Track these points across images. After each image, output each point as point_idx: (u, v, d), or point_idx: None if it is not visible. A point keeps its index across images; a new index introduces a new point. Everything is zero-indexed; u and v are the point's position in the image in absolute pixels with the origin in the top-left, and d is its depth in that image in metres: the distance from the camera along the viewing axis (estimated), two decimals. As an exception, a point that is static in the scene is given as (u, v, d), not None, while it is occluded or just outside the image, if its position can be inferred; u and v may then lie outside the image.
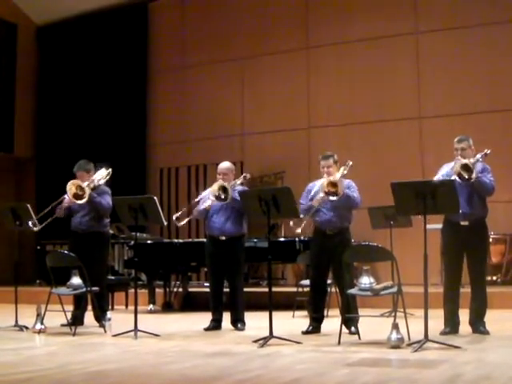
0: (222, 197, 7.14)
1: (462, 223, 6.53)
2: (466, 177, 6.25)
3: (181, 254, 10.01)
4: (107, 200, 7.74)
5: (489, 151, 6.52)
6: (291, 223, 6.77)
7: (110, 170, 7.93)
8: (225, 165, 7.55)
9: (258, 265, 12.18)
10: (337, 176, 6.76)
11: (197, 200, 7.60)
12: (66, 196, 7.67)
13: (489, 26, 11.72)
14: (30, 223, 7.60)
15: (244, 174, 7.67)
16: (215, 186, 7.17)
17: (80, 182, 7.57)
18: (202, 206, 7.46)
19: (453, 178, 6.24)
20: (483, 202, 6.59)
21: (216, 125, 13.83)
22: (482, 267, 6.66)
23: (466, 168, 6.26)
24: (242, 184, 7.55)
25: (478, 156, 6.49)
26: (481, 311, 6.56)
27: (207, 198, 7.37)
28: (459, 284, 6.62)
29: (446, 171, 6.48)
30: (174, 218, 7.53)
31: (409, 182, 6.13)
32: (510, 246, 10.82)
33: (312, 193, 6.85)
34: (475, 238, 6.55)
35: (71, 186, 7.51)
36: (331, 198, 6.64)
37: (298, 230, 6.72)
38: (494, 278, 10.34)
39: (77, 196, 7.51)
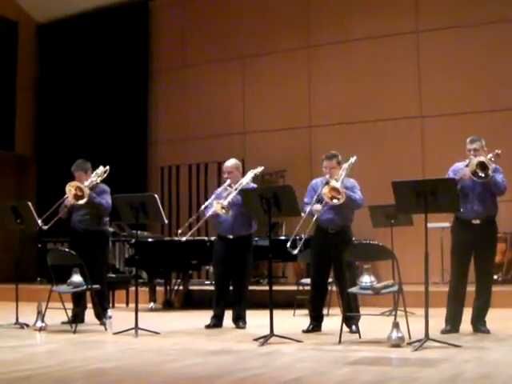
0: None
1: (474, 221, 6.52)
2: (482, 175, 6.23)
3: (182, 252, 9.99)
4: (107, 199, 7.75)
5: (500, 151, 6.53)
6: (303, 214, 6.73)
7: (108, 167, 7.94)
8: (229, 163, 7.50)
9: (259, 263, 12.18)
10: (339, 180, 6.74)
11: (203, 208, 7.53)
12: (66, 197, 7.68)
13: (490, 25, 11.71)
14: (39, 222, 7.62)
15: (256, 170, 7.53)
16: (218, 206, 7.07)
17: (79, 184, 7.59)
18: (208, 213, 7.37)
19: (466, 171, 6.23)
20: (494, 201, 6.59)
21: (217, 123, 13.83)
22: (490, 267, 6.66)
23: (482, 166, 6.24)
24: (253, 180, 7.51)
25: (490, 156, 6.48)
26: (483, 311, 6.56)
27: (212, 205, 7.29)
28: (466, 283, 6.60)
29: (459, 168, 6.44)
30: (178, 232, 7.56)
31: (409, 180, 6.12)
32: (511, 244, 10.82)
33: (316, 196, 6.82)
34: (485, 238, 6.54)
35: (70, 188, 7.53)
36: (334, 201, 6.63)
37: (314, 218, 6.73)
38: (495, 276, 10.32)
39: (77, 197, 7.53)
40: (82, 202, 7.53)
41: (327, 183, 6.73)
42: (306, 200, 6.92)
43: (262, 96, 13.62)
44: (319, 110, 13.08)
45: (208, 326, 7.36)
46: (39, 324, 7.22)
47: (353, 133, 12.45)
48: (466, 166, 6.43)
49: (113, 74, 14.77)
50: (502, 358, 5.20)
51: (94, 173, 7.88)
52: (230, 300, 7.53)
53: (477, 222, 6.52)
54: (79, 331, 7.02)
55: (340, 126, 12.71)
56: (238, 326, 7.37)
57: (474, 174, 6.27)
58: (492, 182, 6.34)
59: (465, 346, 5.65)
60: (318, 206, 6.70)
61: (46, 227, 7.68)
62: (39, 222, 7.62)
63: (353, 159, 6.94)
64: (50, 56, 15.59)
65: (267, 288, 6.70)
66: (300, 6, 13.44)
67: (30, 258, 13.50)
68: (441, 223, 9.50)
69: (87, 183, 7.67)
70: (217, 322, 7.42)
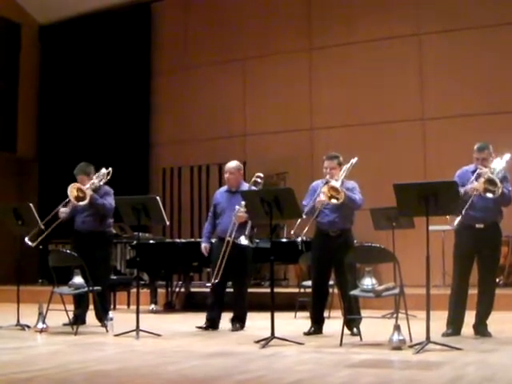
0: None
1: (478, 226, 6.50)
2: (492, 189, 6.21)
3: (183, 254, 10.00)
4: (109, 201, 7.77)
5: (508, 157, 6.52)
6: (292, 232, 6.78)
7: (110, 169, 7.95)
8: (232, 164, 7.56)
9: (260, 265, 12.18)
10: (339, 179, 6.74)
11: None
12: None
13: (491, 28, 11.72)
14: (26, 239, 7.65)
15: (257, 176, 7.52)
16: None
17: (80, 185, 7.61)
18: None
19: (475, 188, 6.26)
20: (499, 206, 6.57)
21: (218, 125, 13.85)
22: (493, 270, 6.65)
23: (492, 182, 6.23)
24: (255, 183, 7.47)
25: (499, 160, 6.46)
26: (486, 315, 6.55)
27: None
28: (468, 286, 6.59)
29: (470, 186, 6.39)
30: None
31: (411, 183, 6.12)
32: (513, 248, 10.81)
33: (315, 195, 6.82)
34: (489, 242, 6.53)
35: (72, 190, 7.56)
36: (333, 201, 6.63)
37: (298, 239, 6.77)
38: (497, 279, 10.32)
39: (78, 198, 7.56)
40: (83, 203, 7.55)
41: (327, 183, 6.74)
42: (304, 202, 6.91)
43: (263, 98, 13.62)
44: (321, 112, 13.09)
45: (200, 327, 7.35)
46: (40, 325, 7.22)
47: (354, 135, 12.45)
48: (477, 177, 6.38)
49: (115, 76, 14.79)
50: (503, 361, 5.19)
51: (98, 174, 7.90)
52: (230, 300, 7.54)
53: (480, 226, 6.50)
54: (80, 333, 7.02)
55: (341, 129, 12.71)
56: (234, 328, 7.36)
57: (485, 190, 6.26)
58: (500, 195, 6.30)
59: (466, 349, 5.64)
60: (321, 198, 6.67)
61: (33, 244, 7.70)
62: (26, 239, 7.67)
63: (354, 160, 6.94)
64: (52, 57, 15.61)
65: (269, 290, 6.69)
66: (302, 8, 13.45)
67: (32, 259, 13.49)
68: (442, 226, 9.49)
69: (88, 185, 7.68)
70: (210, 324, 7.40)
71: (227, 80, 13.92)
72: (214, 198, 7.75)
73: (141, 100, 14.67)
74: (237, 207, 7.19)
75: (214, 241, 7.67)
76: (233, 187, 7.53)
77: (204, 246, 7.62)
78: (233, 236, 7.20)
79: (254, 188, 7.33)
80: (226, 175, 7.54)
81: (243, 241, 7.04)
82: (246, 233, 7.08)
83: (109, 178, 7.92)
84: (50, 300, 7.19)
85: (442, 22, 12.20)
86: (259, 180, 7.42)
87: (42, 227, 7.72)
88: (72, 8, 14.97)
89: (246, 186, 7.45)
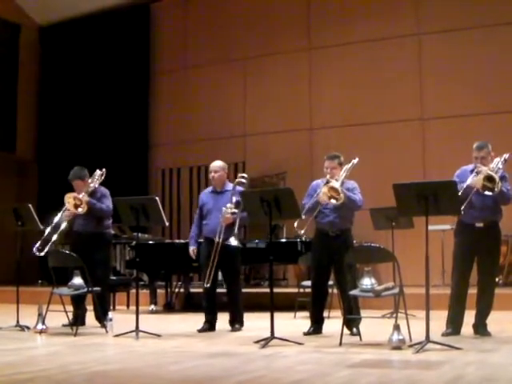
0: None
1: (477, 225, 6.50)
2: (491, 187, 6.21)
3: (182, 254, 9.95)
4: (107, 203, 7.78)
5: (507, 156, 6.52)
6: (295, 224, 6.74)
7: (104, 170, 7.94)
8: (217, 163, 7.53)
9: (260, 266, 12.18)
10: (339, 179, 6.73)
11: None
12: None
13: (491, 28, 11.73)
14: (34, 249, 7.66)
15: (241, 176, 7.50)
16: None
17: (75, 194, 7.61)
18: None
19: (475, 183, 6.25)
20: (498, 205, 6.56)
21: (218, 126, 13.85)
22: (493, 270, 6.65)
23: (490, 179, 6.23)
24: (240, 184, 7.42)
25: (498, 160, 6.47)
26: (485, 314, 6.55)
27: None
28: (467, 286, 6.58)
29: (469, 182, 6.39)
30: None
31: (410, 183, 6.11)
32: (512, 247, 10.82)
33: (315, 195, 6.81)
34: (489, 241, 6.52)
35: (69, 200, 7.57)
36: (333, 201, 6.63)
37: (302, 232, 6.72)
38: (496, 279, 10.31)
39: (77, 206, 7.57)
40: (81, 210, 7.55)
41: (327, 183, 6.73)
42: (304, 201, 6.90)
43: (262, 98, 13.63)
44: (320, 112, 13.10)
45: (201, 331, 7.31)
46: (40, 326, 7.21)
47: (354, 135, 12.46)
48: (476, 174, 6.38)
49: (114, 76, 14.80)
50: (503, 361, 5.19)
51: (93, 177, 7.90)
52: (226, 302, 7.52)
53: (480, 225, 6.50)
54: (80, 334, 7.02)
55: (341, 128, 12.72)
56: (233, 329, 7.34)
57: (483, 187, 6.25)
58: (499, 193, 6.30)
59: (466, 349, 5.64)
60: (322, 196, 6.66)
61: (42, 254, 7.69)
62: (34, 249, 7.67)
63: (355, 160, 6.93)
64: (52, 58, 15.63)
65: (268, 290, 6.68)
66: (301, 8, 13.46)
67: (31, 260, 13.45)
68: (442, 225, 9.50)
69: (84, 193, 7.67)
70: (209, 327, 7.38)
71: (227, 80, 13.93)
72: (200, 199, 7.68)
73: (140, 100, 14.68)
74: (223, 209, 7.16)
75: (201, 241, 7.61)
76: (218, 187, 7.49)
77: (192, 249, 7.60)
78: (221, 238, 7.15)
79: (239, 188, 7.30)
80: (211, 174, 7.50)
81: (233, 242, 6.98)
82: (235, 233, 7.05)
83: (103, 178, 7.93)
84: (49, 301, 7.19)
85: (441, 22, 12.21)
86: (244, 180, 7.38)
87: (42, 228, 7.73)
88: (71, 9, 14.98)
89: (230, 186, 7.41)
